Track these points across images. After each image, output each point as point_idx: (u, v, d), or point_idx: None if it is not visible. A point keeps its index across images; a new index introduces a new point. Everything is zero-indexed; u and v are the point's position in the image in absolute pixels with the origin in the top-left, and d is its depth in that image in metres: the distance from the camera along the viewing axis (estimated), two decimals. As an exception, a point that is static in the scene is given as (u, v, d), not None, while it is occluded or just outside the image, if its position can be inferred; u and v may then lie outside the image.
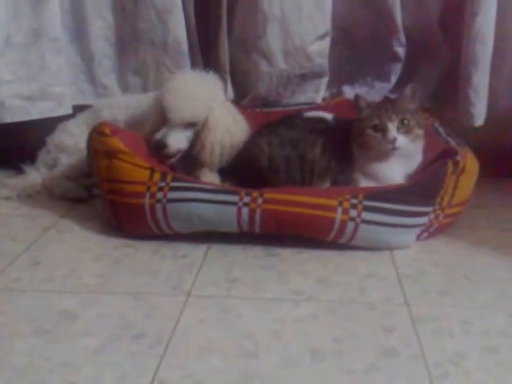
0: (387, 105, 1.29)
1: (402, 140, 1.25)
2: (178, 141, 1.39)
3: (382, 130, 1.25)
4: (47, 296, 1.07)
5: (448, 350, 0.89)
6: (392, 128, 1.24)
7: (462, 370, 0.85)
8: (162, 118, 1.40)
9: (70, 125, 1.66)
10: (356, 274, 1.15)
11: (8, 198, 1.56)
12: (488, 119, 1.58)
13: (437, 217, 1.27)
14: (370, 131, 1.27)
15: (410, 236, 1.26)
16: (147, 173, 1.28)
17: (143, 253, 1.24)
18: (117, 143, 1.30)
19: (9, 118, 1.61)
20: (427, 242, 1.29)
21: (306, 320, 0.99)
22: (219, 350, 0.90)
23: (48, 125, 1.67)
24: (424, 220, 1.25)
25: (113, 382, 0.83)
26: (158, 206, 1.25)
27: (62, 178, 1.59)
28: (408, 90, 1.30)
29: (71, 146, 1.62)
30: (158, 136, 1.37)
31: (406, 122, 1.25)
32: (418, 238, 1.28)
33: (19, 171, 1.64)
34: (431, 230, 1.28)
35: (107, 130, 1.31)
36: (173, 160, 1.40)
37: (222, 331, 0.96)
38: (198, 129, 1.41)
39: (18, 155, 1.67)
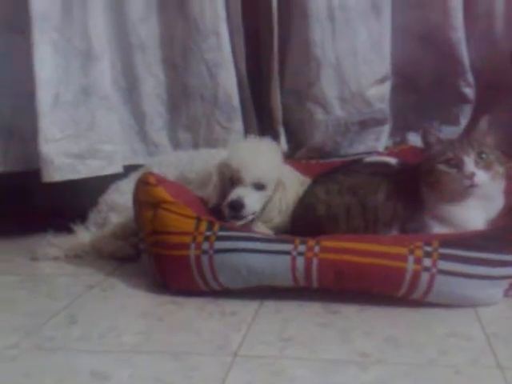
0: (461, 138, 1.16)
1: (481, 176, 1.09)
2: (254, 201, 1.31)
3: (457, 164, 1.11)
4: (79, 356, 0.95)
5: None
6: (469, 162, 1.10)
7: None
8: (224, 180, 1.34)
9: (122, 184, 1.62)
10: (433, 334, 0.97)
11: (56, 258, 1.50)
12: None
13: (526, 267, 1.08)
14: (442, 166, 1.13)
15: (496, 290, 1.07)
16: (193, 222, 1.18)
17: (188, 310, 1.12)
18: (162, 193, 1.22)
19: (58, 177, 1.57)
20: (516, 298, 1.09)
21: (375, 385, 0.82)
22: (269, 419, 0.75)
23: (102, 185, 1.63)
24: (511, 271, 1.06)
25: None
26: (204, 258, 1.14)
27: (110, 236, 1.53)
28: (484, 123, 1.16)
29: (122, 204, 1.56)
30: (234, 196, 1.29)
31: (484, 156, 1.10)
32: (507, 293, 1.09)
33: (69, 231, 1.58)
34: (521, 283, 1.09)
35: (152, 180, 1.23)
36: (245, 221, 1.31)
37: (273, 397, 0.80)
38: (268, 192, 1.34)
39: (71, 215, 1.62)
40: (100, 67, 1.59)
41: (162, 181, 1.25)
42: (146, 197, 1.23)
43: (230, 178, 1.33)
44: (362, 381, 0.83)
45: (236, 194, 1.30)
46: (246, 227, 1.30)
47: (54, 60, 1.56)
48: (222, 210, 1.31)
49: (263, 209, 1.35)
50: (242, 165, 1.30)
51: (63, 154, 1.58)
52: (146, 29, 1.64)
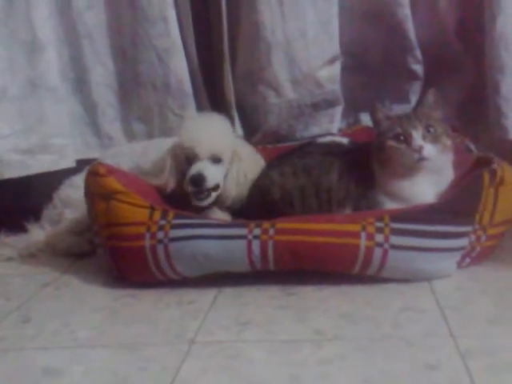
0: (409, 114, 1.16)
1: (429, 149, 1.10)
2: (213, 174, 1.28)
3: (406, 139, 1.11)
4: (32, 353, 0.94)
5: (509, 387, 0.71)
6: (417, 136, 1.10)
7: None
8: (180, 162, 1.31)
9: (76, 178, 1.57)
10: (389, 309, 0.98)
11: (9, 259, 1.46)
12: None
13: (478, 238, 1.10)
14: (391, 142, 1.13)
15: (449, 262, 1.08)
16: (147, 212, 1.16)
17: (145, 302, 1.11)
18: (113, 183, 1.19)
19: (7, 174, 1.52)
20: (470, 269, 1.11)
21: (331, 362, 0.82)
22: (224, 402, 0.74)
23: (56, 181, 1.59)
24: (463, 242, 1.08)
25: None
26: (160, 247, 1.12)
27: (65, 233, 1.49)
28: (430, 97, 1.17)
29: (76, 199, 1.51)
30: (193, 171, 1.26)
31: (431, 129, 1.11)
32: (460, 265, 1.10)
33: (23, 230, 1.54)
34: (473, 254, 1.11)
35: (103, 170, 1.20)
36: (210, 200, 1.29)
37: (228, 380, 0.80)
38: (225, 164, 1.31)
39: (24, 214, 1.58)
40: (46, 58, 1.55)
41: (112, 171, 1.22)
42: (98, 188, 1.20)
43: (185, 158, 1.30)
44: (317, 358, 0.83)
45: (195, 169, 1.27)
46: (203, 214, 1.29)
47: (-1, 52, 1.51)
48: (185, 190, 1.28)
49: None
50: (196, 140, 1.28)
51: (12, 150, 1.54)
52: (93, 17, 1.59)
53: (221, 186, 1.31)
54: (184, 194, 1.31)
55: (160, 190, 1.32)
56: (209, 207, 1.33)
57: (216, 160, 1.29)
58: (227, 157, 1.32)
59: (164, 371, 0.83)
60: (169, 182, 1.31)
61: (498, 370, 0.75)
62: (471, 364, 0.77)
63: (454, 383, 0.73)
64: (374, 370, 0.79)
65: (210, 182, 1.27)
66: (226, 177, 1.32)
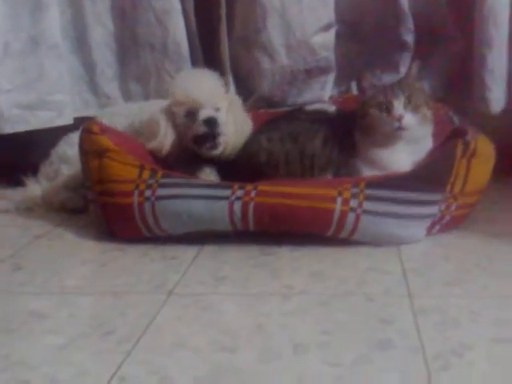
0: (392, 84, 1.20)
1: (409, 118, 1.14)
2: (221, 119, 1.31)
3: (388, 108, 1.16)
4: (21, 298, 1.00)
5: (451, 342, 0.77)
6: (398, 105, 1.15)
7: (465, 362, 0.73)
8: (178, 121, 1.33)
9: (73, 136, 1.62)
10: (356, 269, 1.04)
11: (6, 211, 1.52)
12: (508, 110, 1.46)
13: (448, 207, 1.15)
14: (374, 111, 1.17)
15: (419, 228, 1.14)
16: (137, 170, 1.21)
17: (131, 256, 1.17)
18: (106, 141, 1.24)
19: (8, 129, 1.58)
20: (439, 236, 1.17)
21: (294, 314, 0.89)
22: (193, 345, 0.81)
23: (55, 138, 1.64)
24: (434, 210, 1.13)
25: (69, 380, 0.75)
26: (147, 205, 1.18)
27: (61, 188, 1.55)
28: (414, 68, 1.21)
29: (72, 156, 1.57)
30: (203, 116, 1.28)
31: (412, 99, 1.15)
32: (429, 231, 1.16)
33: (21, 184, 1.60)
34: (443, 222, 1.16)
35: (96, 128, 1.26)
36: (220, 149, 1.31)
37: (199, 327, 0.86)
38: (223, 114, 1.34)
39: (22, 169, 1.64)
40: (49, 16, 1.58)
41: (106, 129, 1.27)
42: (91, 146, 1.26)
43: (186, 113, 1.31)
44: (283, 310, 0.90)
45: (204, 114, 1.28)
46: (194, 175, 1.33)
47: (2, 9, 1.55)
48: (193, 141, 1.30)
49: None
50: (196, 92, 1.29)
51: (13, 105, 1.59)
52: (95, -24, 1.62)
53: (225, 136, 1.32)
54: (180, 155, 1.36)
55: (155, 154, 1.34)
56: (200, 168, 1.38)
57: (216, 109, 1.32)
58: (224, 106, 1.34)
59: (141, 317, 0.89)
60: (164, 144, 1.34)
61: (444, 326, 0.82)
62: (421, 320, 0.83)
63: (403, 336, 0.80)
64: (333, 322, 0.85)
65: (221, 126, 1.29)
66: (225, 125, 1.33)
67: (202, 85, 1.32)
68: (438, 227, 1.16)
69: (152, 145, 1.35)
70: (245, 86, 1.65)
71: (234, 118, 1.36)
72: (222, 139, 1.31)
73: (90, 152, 1.26)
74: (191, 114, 1.31)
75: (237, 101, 1.42)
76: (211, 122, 1.28)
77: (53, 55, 1.60)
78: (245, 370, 0.74)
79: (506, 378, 0.70)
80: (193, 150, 1.34)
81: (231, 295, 0.97)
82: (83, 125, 1.31)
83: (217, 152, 1.32)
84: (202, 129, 1.29)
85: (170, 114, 1.35)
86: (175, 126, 1.34)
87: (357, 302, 0.91)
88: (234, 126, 1.35)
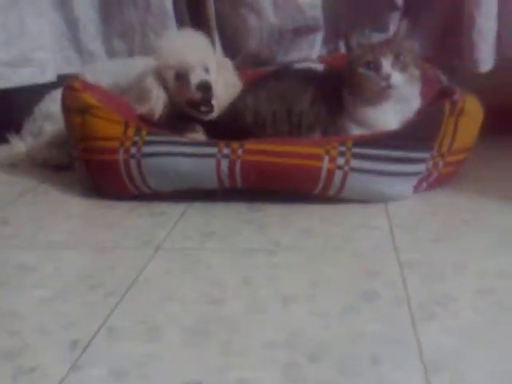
0: (381, 42, 1.19)
1: (396, 77, 1.14)
2: (213, 81, 1.29)
3: (376, 66, 1.15)
4: (8, 251, 1.00)
5: (436, 292, 0.79)
6: (386, 64, 1.14)
7: (450, 312, 0.74)
8: (167, 83, 1.30)
9: (56, 92, 1.59)
10: (344, 225, 1.05)
11: (-10, 167, 1.50)
12: (498, 71, 1.46)
13: (436, 165, 1.15)
14: (362, 69, 1.16)
15: (406, 186, 1.15)
16: (121, 128, 1.19)
17: (118, 212, 1.16)
18: (88, 98, 1.22)
19: (-11, 86, 1.55)
20: (426, 193, 1.17)
21: (282, 267, 0.89)
22: (180, 298, 0.82)
23: (37, 95, 1.61)
24: (421, 168, 1.14)
25: (57, 330, 0.75)
26: (133, 162, 1.17)
27: (45, 145, 1.53)
28: (402, 27, 1.19)
29: (56, 113, 1.53)
30: (196, 80, 1.25)
31: (401, 58, 1.14)
32: (416, 189, 1.17)
33: (5, 141, 1.58)
34: (430, 179, 1.17)
35: (78, 85, 1.23)
36: (215, 112, 1.29)
37: (186, 280, 0.87)
38: (213, 74, 1.31)
39: (6, 126, 1.61)
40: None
41: (88, 86, 1.25)
42: (74, 103, 1.23)
43: (175, 75, 1.29)
44: (270, 263, 0.91)
45: (196, 76, 1.26)
46: (182, 134, 1.31)
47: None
48: (189, 108, 1.29)
49: None
50: (185, 53, 1.27)
51: (-6, 62, 1.55)
52: None
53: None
54: (174, 117, 1.33)
55: (148, 119, 1.30)
56: (189, 126, 1.36)
57: (205, 69, 1.30)
58: (213, 66, 1.32)
59: (129, 271, 0.90)
60: (155, 109, 1.31)
61: (429, 279, 0.83)
62: (407, 273, 0.84)
63: (390, 287, 0.81)
64: (320, 274, 0.86)
65: (213, 89, 1.27)
66: (215, 85, 1.31)
67: (190, 46, 1.29)
68: (425, 185, 1.17)
69: (143, 109, 1.32)
70: (231, 44, 1.62)
71: (223, 79, 1.34)
72: (215, 101, 1.29)
73: (73, 109, 1.24)
74: (181, 76, 1.29)
75: (226, 62, 1.39)
76: (205, 87, 1.26)
77: (34, 12, 1.56)
78: (232, 319, 0.75)
79: (489, 326, 0.72)
80: (182, 110, 1.32)
81: (219, 250, 0.97)
82: (65, 82, 1.28)
83: (213, 115, 1.30)
84: (196, 95, 1.26)
85: (159, 77, 1.32)
86: (165, 88, 1.32)
87: (344, 256, 0.92)
88: (224, 87, 1.33)
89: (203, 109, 1.28)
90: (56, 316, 0.78)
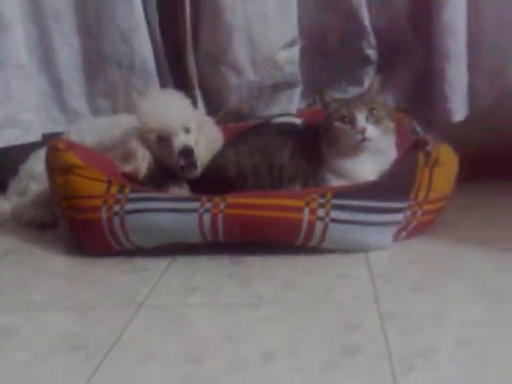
0: (355, 97, 1.23)
1: (371, 130, 1.17)
2: (194, 143, 1.33)
3: (351, 120, 1.18)
4: (-11, 315, 0.99)
5: (416, 345, 0.79)
6: (361, 118, 1.18)
7: (430, 364, 0.75)
8: (151, 145, 1.33)
9: (42, 152, 1.61)
10: (325, 276, 1.06)
11: (-24, 227, 1.51)
12: (472, 119, 1.51)
13: (414, 214, 1.18)
14: (337, 123, 1.20)
15: (385, 235, 1.16)
16: (104, 186, 1.21)
17: (102, 269, 1.17)
18: (72, 158, 1.24)
19: (-26, 147, 1.57)
20: (406, 242, 1.19)
21: (264, 322, 0.90)
22: (162, 357, 0.81)
23: (23, 154, 1.63)
24: (399, 217, 1.16)
25: (37, 396, 0.74)
26: (116, 219, 1.18)
27: (30, 204, 1.54)
28: (375, 82, 1.24)
29: (41, 172, 1.56)
30: (179, 147, 1.29)
31: (375, 112, 1.18)
32: (396, 238, 1.18)
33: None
34: (409, 228, 1.19)
35: (62, 145, 1.26)
36: (198, 171, 1.33)
37: (168, 338, 0.87)
38: (194, 133, 1.35)
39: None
40: (13, 36, 1.58)
41: (71, 146, 1.28)
42: (57, 162, 1.26)
43: (157, 138, 1.32)
44: (252, 319, 0.91)
45: (179, 142, 1.30)
46: (166, 190, 1.33)
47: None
48: (174, 167, 1.32)
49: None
50: (164, 118, 1.30)
51: (-21, 124, 1.58)
52: (59, -4, 1.63)
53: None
54: (158, 173, 1.35)
55: (132, 177, 1.33)
56: (173, 182, 1.38)
57: (187, 131, 1.34)
58: (194, 126, 1.36)
59: (111, 330, 0.90)
60: (140, 169, 1.33)
61: (410, 330, 0.83)
62: (388, 325, 0.85)
63: (371, 342, 0.81)
64: (302, 330, 0.86)
65: (195, 152, 1.31)
66: (196, 145, 1.35)
67: (171, 108, 1.32)
68: (404, 233, 1.19)
69: (128, 169, 1.34)
70: (213, 101, 1.67)
71: (204, 136, 1.37)
72: (198, 163, 1.32)
73: (56, 169, 1.26)
74: (163, 139, 1.32)
75: (206, 120, 1.43)
76: (188, 153, 1.29)
77: (19, 75, 1.59)
78: (213, 379, 0.75)
79: (469, 378, 0.72)
80: (166, 166, 1.35)
81: (202, 305, 0.97)
82: (49, 142, 1.30)
83: (196, 174, 1.33)
84: (180, 160, 1.30)
85: (142, 138, 1.35)
86: (149, 149, 1.35)
87: (326, 308, 0.93)
88: (205, 144, 1.37)
89: (187, 171, 1.32)
90: (37, 381, 0.77)
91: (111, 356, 0.82)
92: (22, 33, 1.60)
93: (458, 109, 1.45)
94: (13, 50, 1.58)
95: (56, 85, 1.69)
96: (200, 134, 1.36)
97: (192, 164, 1.31)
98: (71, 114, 1.72)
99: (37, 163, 1.58)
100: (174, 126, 1.31)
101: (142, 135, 1.34)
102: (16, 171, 1.62)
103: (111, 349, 0.84)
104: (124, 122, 1.52)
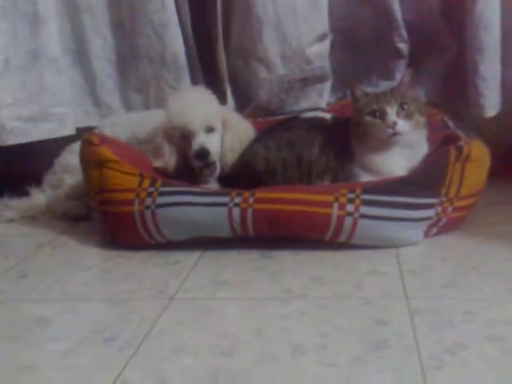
0: (385, 92, 1.23)
1: (402, 124, 1.17)
2: (214, 145, 1.34)
3: (381, 115, 1.18)
4: (27, 305, 1.03)
5: (446, 341, 0.79)
6: (391, 112, 1.17)
7: (459, 361, 0.74)
8: (176, 142, 1.36)
9: (76, 146, 1.64)
10: (355, 272, 1.06)
11: (11, 220, 1.55)
12: (506, 114, 1.49)
13: (445, 210, 1.17)
14: (368, 118, 1.20)
15: (416, 231, 1.16)
16: (136, 179, 1.24)
17: (134, 262, 1.19)
18: (105, 152, 1.27)
19: (10, 140, 1.61)
20: (437, 238, 1.18)
21: (293, 317, 0.90)
22: (192, 349, 0.83)
23: (57, 148, 1.67)
24: (430, 213, 1.15)
25: (72, 384, 0.77)
26: (147, 213, 1.20)
27: (64, 197, 1.58)
28: (406, 76, 1.23)
29: (75, 165, 1.59)
30: (196, 147, 1.31)
31: (405, 106, 1.18)
32: (427, 234, 1.18)
33: (25, 194, 1.63)
34: (440, 224, 1.18)
35: (95, 140, 1.28)
36: (217, 172, 1.35)
37: (198, 332, 0.89)
38: (218, 133, 1.37)
39: (26, 179, 1.66)
40: (48, 30, 1.61)
41: (105, 140, 1.30)
42: (91, 156, 1.28)
43: (181, 136, 1.35)
44: (282, 313, 0.92)
45: (196, 144, 1.32)
46: (195, 184, 1.34)
47: (1, 25, 1.58)
48: (193, 167, 1.34)
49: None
50: (187, 117, 1.32)
51: (15, 118, 1.61)
52: (93, -10, 1.66)
53: (218, 156, 1.36)
54: (186, 168, 1.37)
55: (163, 172, 1.35)
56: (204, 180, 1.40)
57: (210, 130, 1.35)
58: (219, 125, 1.37)
59: (143, 322, 0.92)
60: (169, 164, 1.36)
61: (439, 326, 0.83)
62: (417, 321, 0.85)
63: (399, 337, 0.81)
64: (330, 325, 0.87)
65: (213, 153, 1.33)
66: (221, 145, 1.37)
67: (193, 108, 1.34)
68: (435, 230, 1.18)
69: (158, 164, 1.37)
70: (243, 95, 1.67)
71: (230, 135, 1.38)
72: (217, 163, 1.34)
73: (91, 162, 1.28)
74: (185, 137, 1.34)
75: (235, 116, 1.43)
76: (203, 155, 1.31)
77: (53, 68, 1.63)
78: (242, 372, 0.76)
79: (499, 375, 0.72)
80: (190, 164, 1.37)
81: (231, 300, 0.99)
82: (83, 136, 1.33)
83: (216, 175, 1.35)
84: (196, 163, 1.32)
85: (168, 134, 1.37)
86: (176, 144, 1.37)
87: (354, 304, 0.93)
88: (231, 143, 1.38)
89: (205, 172, 1.33)
90: (71, 370, 0.80)
91: (143, 347, 0.84)
92: (56, 27, 1.63)
93: (491, 104, 1.43)
94: (47, 43, 1.61)
95: (89, 79, 1.72)
96: (227, 132, 1.37)
97: (207, 166, 1.33)
98: (104, 109, 1.74)
99: (72, 157, 1.61)
100: (195, 125, 1.33)
101: (168, 132, 1.37)
102: (51, 164, 1.65)
103: (143, 340, 0.86)
104: (155, 117, 1.55)
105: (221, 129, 1.38)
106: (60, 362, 0.82)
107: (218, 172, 1.36)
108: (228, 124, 1.38)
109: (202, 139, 1.33)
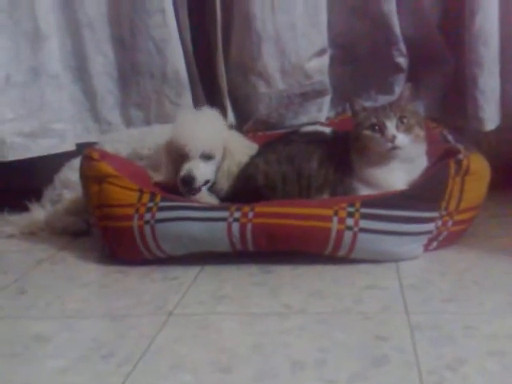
0: (385, 106, 1.23)
1: (401, 138, 1.17)
2: (204, 172, 1.35)
3: (381, 129, 1.18)
4: (25, 322, 1.02)
5: (446, 356, 0.78)
6: (391, 126, 1.17)
7: (459, 376, 0.74)
8: (175, 158, 1.37)
9: (76, 161, 1.65)
10: (354, 286, 1.05)
11: (11, 236, 1.55)
12: (505, 128, 1.49)
13: (445, 223, 1.16)
14: (367, 132, 1.20)
15: (416, 245, 1.15)
16: (136, 195, 1.24)
17: (133, 277, 1.19)
18: (105, 167, 1.27)
19: (11, 156, 1.61)
20: (437, 252, 1.18)
21: (292, 332, 0.90)
22: (191, 366, 0.82)
23: (57, 164, 1.67)
24: (430, 227, 1.15)
25: (70, 402, 0.76)
26: (147, 228, 1.20)
27: (64, 212, 1.58)
28: (405, 90, 1.24)
29: (75, 181, 1.59)
30: (183, 172, 1.33)
31: (405, 120, 1.18)
32: (427, 248, 1.17)
33: (25, 209, 1.63)
34: (440, 238, 1.18)
35: (96, 155, 1.29)
36: (201, 194, 1.35)
37: (197, 347, 0.88)
38: (217, 160, 1.38)
39: (27, 194, 1.67)
40: (48, 47, 1.62)
41: (105, 155, 1.31)
42: (91, 172, 1.29)
43: (179, 156, 1.36)
44: (281, 328, 0.91)
45: (185, 169, 1.33)
46: (193, 198, 1.35)
47: (3, 42, 1.59)
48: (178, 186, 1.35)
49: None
50: (186, 139, 1.33)
51: (16, 133, 1.62)
52: (94, 7, 1.67)
53: (212, 181, 1.37)
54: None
55: (165, 186, 1.36)
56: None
57: (207, 157, 1.36)
58: (219, 153, 1.38)
59: (141, 338, 0.91)
60: (167, 178, 1.37)
61: (439, 341, 0.83)
62: (417, 336, 0.84)
63: (399, 352, 0.81)
64: (330, 340, 0.86)
65: (200, 181, 1.33)
66: (218, 171, 1.38)
67: (194, 134, 1.34)
68: (435, 244, 1.17)
69: (159, 178, 1.38)
70: (243, 110, 1.68)
71: (228, 162, 1.38)
72: (203, 188, 1.35)
73: (90, 178, 1.29)
74: (181, 158, 1.35)
75: (235, 143, 1.42)
76: (187, 181, 1.32)
77: (54, 85, 1.64)
78: (241, 388, 0.76)
79: (500, 391, 0.71)
80: None
81: (230, 314, 0.98)
82: (83, 152, 1.33)
83: (197, 197, 1.35)
84: (181, 187, 1.33)
85: (168, 149, 1.39)
86: (175, 161, 1.37)
87: (354, 319, 0.93)
88: (227, 170, 1.38)
89: (187, 195, 1.34)
90: (69, 387, 0.79)
91: (141, 364, 0.83)
92: (56, 43, 1.64)
93: (491, 117, 1.43)
94: (47, 60, 1.62)
95: (90, 95, 1.73)
96: (226, 159, 1.38)
97: (190, 191, 1.33)
98: (104, 124, 1.75)
99: (71, 172, 1.61)
100: (192, 150, 1.33)
101: (169, 147, 1.38)
102: (51, 180, 1.65)
103: (141, 357, 0.85)
104: (156, 133, 1.55)
105: (220, 156, 1.38)
106: (58, 379, 0.82)
107: (201, 195, 1.35)
108: (228, 152, 1.39)
109: (191, 166, 1.33)
